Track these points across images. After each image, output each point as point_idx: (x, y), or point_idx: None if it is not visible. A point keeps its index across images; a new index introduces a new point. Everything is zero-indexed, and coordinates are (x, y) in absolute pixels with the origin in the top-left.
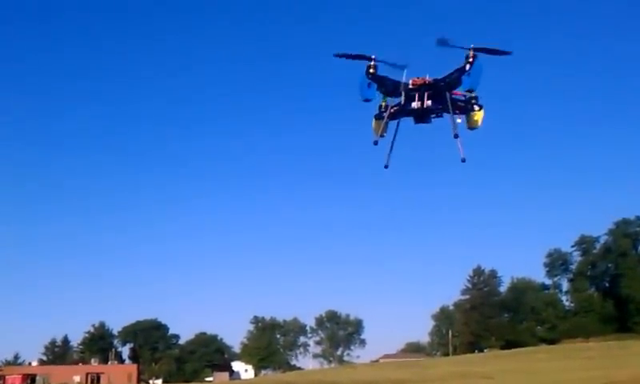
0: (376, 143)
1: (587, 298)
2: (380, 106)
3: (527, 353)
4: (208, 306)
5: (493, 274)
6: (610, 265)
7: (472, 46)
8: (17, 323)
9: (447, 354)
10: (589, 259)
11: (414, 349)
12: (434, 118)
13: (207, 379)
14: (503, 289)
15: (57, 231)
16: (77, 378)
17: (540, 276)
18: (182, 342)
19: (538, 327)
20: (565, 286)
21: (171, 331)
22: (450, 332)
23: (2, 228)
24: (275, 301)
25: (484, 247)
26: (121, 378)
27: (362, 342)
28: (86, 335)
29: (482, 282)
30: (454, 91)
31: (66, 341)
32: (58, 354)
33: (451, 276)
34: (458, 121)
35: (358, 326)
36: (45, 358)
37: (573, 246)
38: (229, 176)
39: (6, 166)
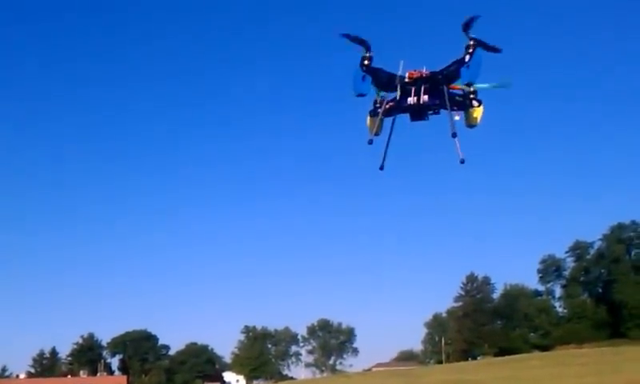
0: (371, 142)
1: (580, 304)
2: (375, 102)
3: (521, 360)
4: (198, 316)
5: (486, 281)
6: (603, 270)
7: (473, 35)
8: (4, 335)
9: (440, 362)
10: (582, 265)
11: (406, 357)
12: (431, 114)
13: None
14: (496, 296)
15: (45, 241)
16: None
17: (533, 282)
18: (172, 352)
19: (532, 334)
20: (558, 292)
21: (161, 342)
22: (443, 340)
23: None
24: (266, 310)
25: (477, 254)
26: None
27: (355, 351)
28: (75, 346)
29: (475, 289)
30: (452, 85)
31: (54, 352)
32: (47, 366)
33: (444, 283)
34: (456, 118)
35: (350, 334)
36: (33, 370)
37: (567, 252)
38: (219, 185)
39: None
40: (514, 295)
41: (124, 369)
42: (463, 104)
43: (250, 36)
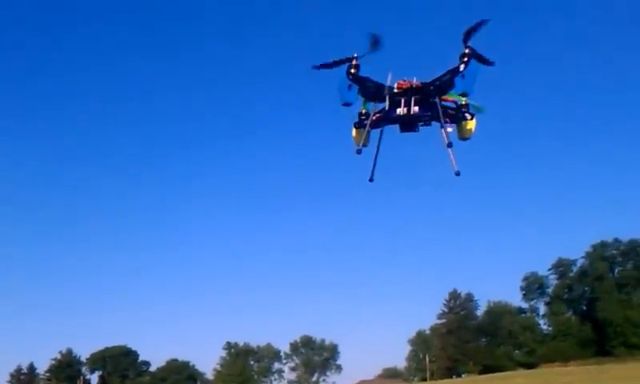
0: (359, 152)
1: (565, 321)
2: (360, 114)
3: (506, 378)
4: (179, 332)
5: (469, 298)
6: (586, 288)
7: (469, 43)
8: None
9: (424, 380)
10: (565, 283)
11: (390, 374)
12: (421, 126)
13: None
14: (480, 313)
15: (22, 255)
16: None
17: (516, 300)
18: (152, 369)
19: (516, 351)
20: (542, 309)
21: (141, 358)
22: (427, 357)
23: None
24: (248, 326)
25: (459, 270)
26: None
27: (338, 368)
28: (53, 362)
29: (459, 306)
30: (444, 97)
31: (32, 368)
32: (24, 381)
33: (427, 300)
34: (449, 130)
35: (333, 351)
36: None
37: (549, 270)
38: (198, 200)
39: None
40: (498, 312)
41: None
42: (455, 116)
43: (248, 50)
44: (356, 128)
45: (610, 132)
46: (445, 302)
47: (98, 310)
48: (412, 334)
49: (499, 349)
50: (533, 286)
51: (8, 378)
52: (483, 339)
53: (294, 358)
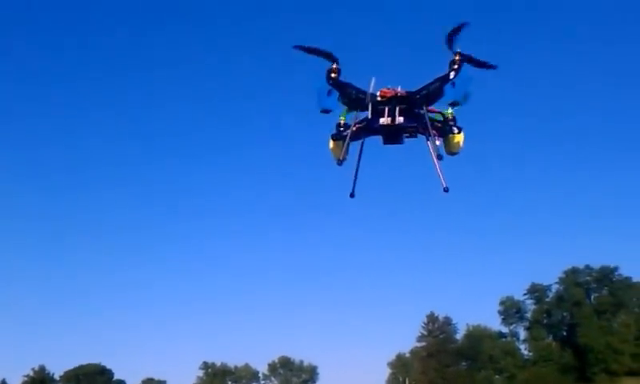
0: (340, 163)
1: (546, 346)
2: (338, 124)
3: None
4: (155, 350)
5: (447, 321)
6: (565, 314)
7: (459, 50)
8: None
9: None
10: (543, 308)
11: None
12: (407, 138)
13: None
14: (459, 336)
15: None
16: None
17: (495, 323)
18: None
19: (497, 376)
20: (522, 334)
21: (116, 376)
22: (407, 380)
23: None
24: (226, 345)
25: (437, 293)
26: None
27: None
28: (25, 379)
29: (438, 329)
30: (430, 108)
31: None
32: None
33: (407, 321)
34: (437, 143)
35: (312, 372)
36: None
37: (525, 294)
38: (174, 219)
39: None
40: (478, 336)
41: None
42: (442, 129)
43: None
44: (334, 140)
45: (581, 158)
46: (423, 325)
47: (73, 326)
48: (392, 356)
49: (480, 373)
50: (511, 311)
51: None
52: (463, 363)
53: (273, 378)
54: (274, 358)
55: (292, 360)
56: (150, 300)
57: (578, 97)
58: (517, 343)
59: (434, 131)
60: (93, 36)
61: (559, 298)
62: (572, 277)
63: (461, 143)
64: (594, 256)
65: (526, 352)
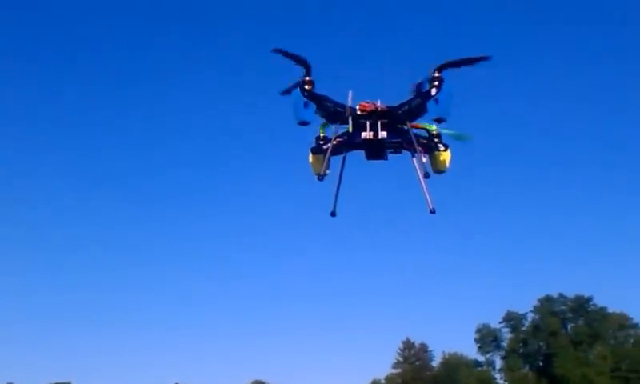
0: (321, 178)
1: (522, 377)
2: (317, 138)
3: None
4: (124, 371)
5: (423, 348)
6: (541, 343)
7: (434, 67)
8: None
9: None
10: (519, 337)
11: None
12: (391, 153)
13: None
14: (435, 363)
15: None
16: None
17: (472, 351)
18: None
19: None
20: (498, 363)
21: None
22: None
23: None
24: (198, 368)
25: (414, 318)
26: None
27: None
28: None
29: (413, 356)
30: (413, 123)
31: None
32: None
33: (382, 347)
34: (423, 160)
35: None
36: None
37: (501, 322)
38: (145, 238)
39: None
40: (454, 364)
41: None
42: (427, 146)
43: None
44: (313, 154)
45: (554, 184)
46: (399, 351)
47: (42, 342)
48: (367, 382)
49: None
50: (487, 339)
51: None
52: None
53: None
54: (248, 381)
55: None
56: (121, 320)
57: (555, 123)
58: (493, 372)
59: (419, 148)
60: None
61: (535, 327)
62: (547, 305)
63: (447, 161)
64: (567, 285)
65: (502, 381)
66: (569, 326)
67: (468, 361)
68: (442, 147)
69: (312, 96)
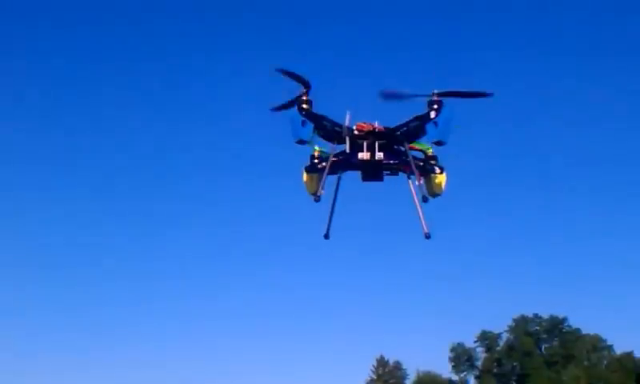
0: (318, 199)
1: None
2: (312, 156)
3: None
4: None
5: (397, 366)
6: (515, 363)
7: (434, 90)
8: None
9: None
10: (494, 356)
11: None
12: (387, 175)
13: None
14: (409, 382)
15: None
16: None
17: (446, 370)
18: None
19: None
20: (472, 382)
21: None
22: None
23: None
24: (157, 374)
25: (388, 335)
26: None
27: None
28: None
29: (387, 374)
30: (410, 145)
31: None
32: None
33: (356, 364)
34: (419, 182)
35: None
36: None
37: (475, 342)
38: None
39: None
40: (428, 383)
41: None
42: (423, 168)
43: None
44: (307, 172)
45: (531, 210)
46: (373, 369)
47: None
48: None
49: None
50: (461, 358)
51: None
52: None
53: None
54: None
55: None
56: (82, 331)
57: (532, 144)
58: None
59: (416, 170)
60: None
61: (510, 347)
62: (522, 325)
63: (443, 184)
64: (541, 305)
65: None
66: (543, 347)
67: (442, 380)
68: (437, 170)
69: (310, 115)
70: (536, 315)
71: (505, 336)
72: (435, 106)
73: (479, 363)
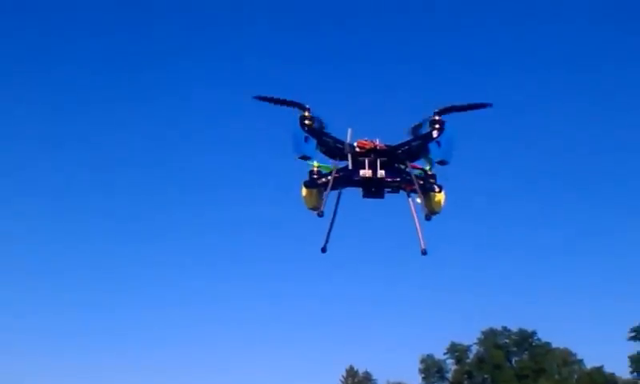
0: (321, 215)
1: None
2: (311, 171)
3: None
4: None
5: (367, 376)
6: (486, 376)
7: (435, 110)
8: None
9: None
10: (464, 368)
11: None
12: (388, 192)
13: None
14: None
15: None
16: None
17: (416, 382)
18: None
19: None
20: None
21: None
22: None
23: None
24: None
25: (357, 346)
26: None
27: None
28: None
29: None
30: (412, 164)
31: None
32: None
33: (325, 374)
34: (418, 201)
35: None
36: None
37: (445, 354)
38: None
39: None
40: None
41: None
42: (423, 186)
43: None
44: (307, 187)
45: (499, 221)
46: (342, 379)
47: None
48: None
49: None
50: (432, 370)
51: None
52: None
53: None
54: None
55: None
56: (48, 334)
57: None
58: None
59: (419, 189)
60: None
61: (480, 359)
62: (491, 338)
63: (442, 202)
64: (510, 318)
65: None
66: (513, 360)
67: None
68: (437, 188)
69: (312, 131)
70: (505, 328)
71: (474, 348)
72: (437, 126)
73: (449, 375)
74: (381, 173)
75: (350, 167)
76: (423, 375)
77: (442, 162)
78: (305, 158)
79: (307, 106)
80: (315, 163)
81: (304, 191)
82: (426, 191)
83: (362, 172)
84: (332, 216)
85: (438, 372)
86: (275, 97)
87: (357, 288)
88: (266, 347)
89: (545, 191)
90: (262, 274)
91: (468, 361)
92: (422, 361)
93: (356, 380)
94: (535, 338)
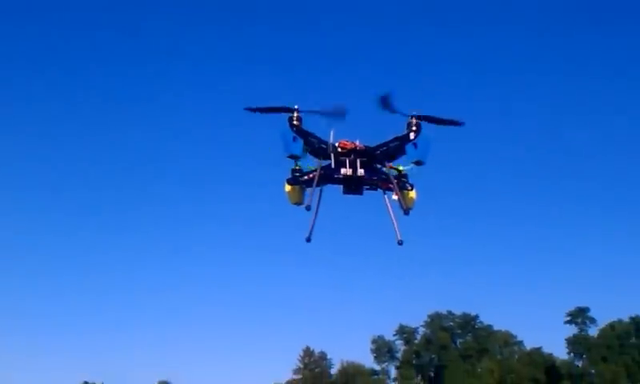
0: (308, 208)
1: None
2: (294, 169)
3: None
4: (34, 367)
5: (323, 356)
6: (433, 356)
7: (414, 112)
8: None
9: None
10: (412, 349)
11: None
12: (366, 189)
13: None
14: (334, 371)
15: None
16: None
17: (368, 361)
18: None
19: None
20: (393, 372)
21: None
22: None
23: None
24: (106, 365)
25: (314, 327)
26: None
27: None
28: None
29: (313, 363)
30: (388, 164)
31: None
32: None
33: (283, 353)
34: (394, 197)
35: None
36: None
37: (395, 335)
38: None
39: None
40: (352, 373)
41: None
42: (398, 185)
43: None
44: (289, 184)
45: (445, 213)
46: (299, 358)
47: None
48: None
49: None
50: (382, 350)
51: None
52: None
53: None
54: (154, 381)
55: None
56: (27, 317)
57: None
58: (388, 381)
59: (390, 186)
60: None
61: (427, 340)
62: (437, 321)
63: (414, 199)
64: (453, 302)
65: None
66: (458, 341)
67: (365, 370)
68: (409, 186)
69: (300, 131)
70: (449, 312)
71: (421, 330)
72: (414, 128)
73: (399, 355)
74: (360, 172)
75: (333, 166)
76: (375, 355)
77: (418, 163)
78: (293, 156)
79: (295, 107)
80: (296, 164)
81: (287, 187)
82: (400, 189)
83: (342, 170)
84: (315, 209)
85: (388, 352)
86: (263, 106)
87: (314, 274)
88: (227, 328)
89: (486, 184)
90: (229, 259)
91: (416, 342)
92: (374, 341)
93: (312, 359)
94: (478, 320)
